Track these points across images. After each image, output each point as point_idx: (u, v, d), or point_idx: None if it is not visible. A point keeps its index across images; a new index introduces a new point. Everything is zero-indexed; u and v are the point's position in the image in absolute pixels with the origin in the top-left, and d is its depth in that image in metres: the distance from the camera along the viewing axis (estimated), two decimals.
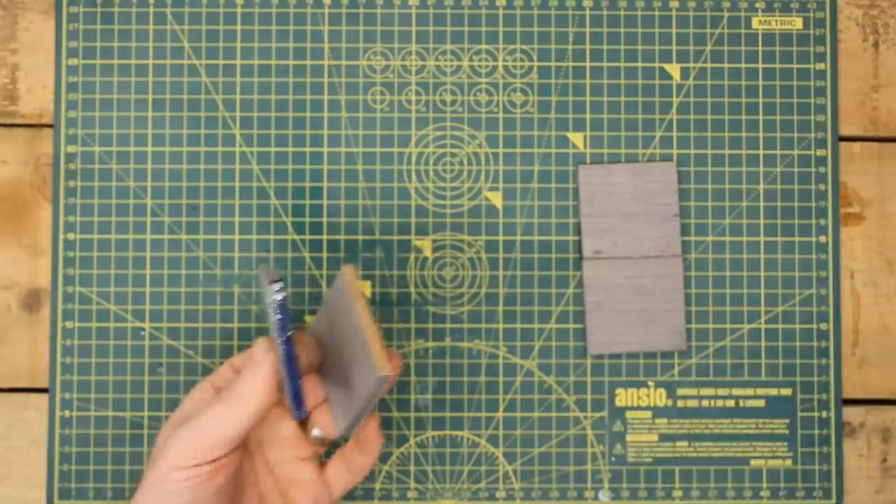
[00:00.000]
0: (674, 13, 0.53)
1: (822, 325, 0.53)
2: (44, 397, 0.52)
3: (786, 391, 0.53)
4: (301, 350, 0.43)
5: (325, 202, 0.53)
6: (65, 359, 0.52)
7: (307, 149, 0.53)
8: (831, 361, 0.53)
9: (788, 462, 0.52)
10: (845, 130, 0.54)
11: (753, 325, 0.53)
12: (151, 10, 0.53)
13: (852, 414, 0.53)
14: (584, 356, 0.52)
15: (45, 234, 0.52)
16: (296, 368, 0.42)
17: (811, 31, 0.54)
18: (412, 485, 0.52)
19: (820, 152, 0.53)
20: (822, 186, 0.53)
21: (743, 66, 0.53)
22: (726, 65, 0.53)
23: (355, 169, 0.53)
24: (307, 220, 0.52)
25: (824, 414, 0.53)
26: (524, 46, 0.53)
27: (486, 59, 0.53)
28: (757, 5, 0.54)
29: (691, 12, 0.54)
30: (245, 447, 0.44)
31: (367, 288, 0.52)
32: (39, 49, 0.53)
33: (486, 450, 0.52)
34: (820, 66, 0.53)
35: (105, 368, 0.52)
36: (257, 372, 0.41)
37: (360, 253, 0.52)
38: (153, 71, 0.53)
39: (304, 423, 0.46)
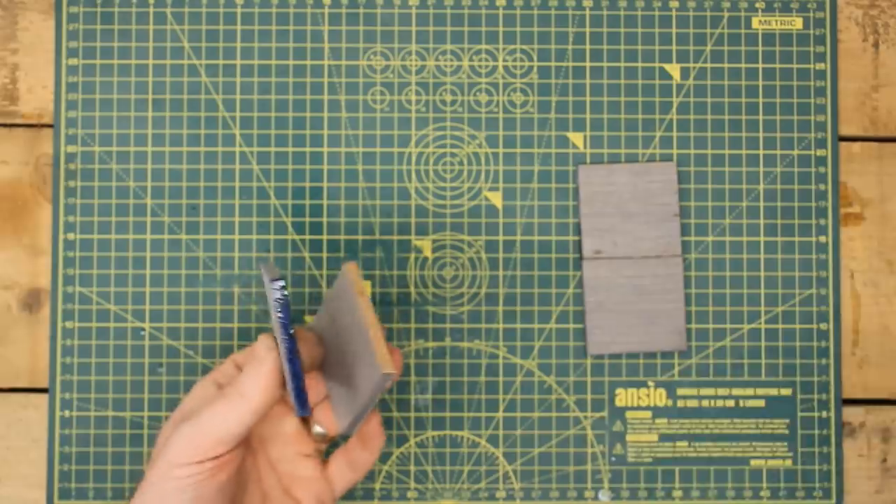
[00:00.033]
0: (674, 13, 0.53)
1: (822, 325, 0.53)
2: (44, 397, 0.52)
3: (786, 391, 0.53)
4: (303, 347, 0.43)
5: (325, 202, 0.53)
6: (65, 359, 0.52)
7: (307, 149, 0.53)
8: (831, 361, 0.53)
9: (788, 462, 0.52)
10: (845, 130, 0.54)
11: (753, 325, 0.53)
12: (151, 10, 0.53)
13: (852, 414, 0.53)
14: (584, 356, 0.52)
15: (45, 234, 0.52)
16: (298, 365, 0.42)
17: (811, 31, 0.54)
18: (412, 485, 0.52)
19: (820, 152, 0.53)
20: (822, 186, 0.53)
21: (743, 66, 0.53)
22: (726, 65, 0.53)
23: (355, 169, 0.53)
24: (307, 220, 0.52)
25: (824, 414, 0.53)
26: (524, 46, 0.53)
27: (486, 59, 0.53)
28: (757, 5, 0.54)
29: (691, 12, 0.54)
30: (248, 444, 0.44)
31: (367, 288, 0.52)
32: (39, 49, 0.53)
33: (486, 450, 0.52)
34: (820, 66, 0.53)
35: (105, 368, 0.52)
36: (260, 369, 0.41)
37: (360, 253, 0.52)
38: (153, 71, 0.53)
39: (306, 420, 0.46)
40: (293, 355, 0.41)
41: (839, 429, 0.53)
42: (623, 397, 0.52)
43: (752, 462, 0.52)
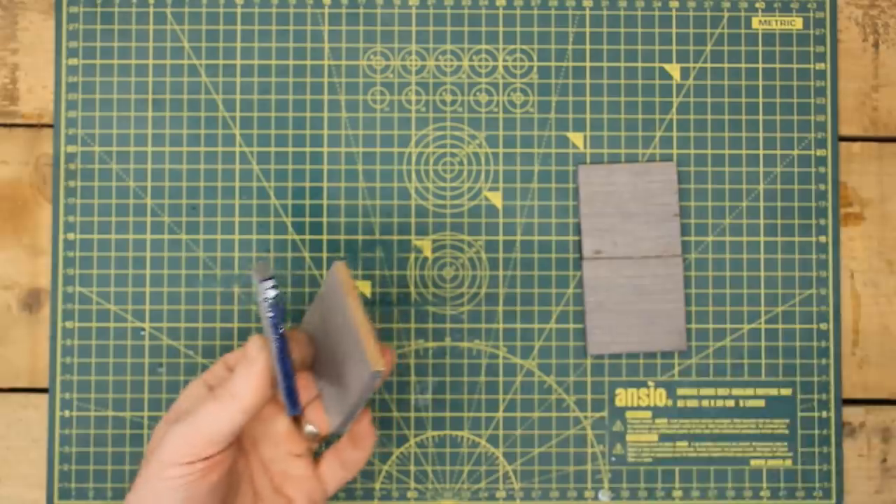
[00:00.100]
0: (674, 13, 0.53)
1: (822, 325, 0.53)
2: (44, 397, 0.52)
3: (786, 391, 0.53)
4: (294, 346, 0.43)
5: (325, 202, 0.53)
6: (65, 359, 0.52)
7: (307, 149, 0.53)
8: (831, 361, 0.53)
9: (788, 462, 0.52)
10: (845, 130, 0.54)
11: (753, 325, 0.53)
12: (151, 10, 0.53)
13: (852, 414, 0.53)
14: (584, 356, 0.52)
15: (45, 234, 0.52)
16: (289, 365, 0.42)
17: (811, 31, 0.54)
18: (412, 485, 0.52)
19: (820, 152, 0.53)
20: (822, 186, 0.53)
21: (743, 66, 0.53)
22: (726, 65, 0.53)
23: (355, 169, 0.53)
24: (307, 220, 0.52)
25: (824, 414, 0.53)
26: (524, 46, 0.53)
27: (486, 59, 0.53)
28: (757, 5, 0.54)
29: (691, 12, 0.54)
30: (239, 444, 0.45)
31: (367, 288, 0.52)
32: (39, 49, 0.53)
33: (486, 450, 0.52)
34: (820, 66, 0.53)
35: (105, 368, 0.52)
36: (251, 369, 0.41)
37: (360, 253, 0.52)
38: (153, 71, 0.53)
39: (297, 420, 0.46)
40: (284, 355, 0.42)
41: (839, 429, 0.53)
42: (623, 397, 0.52)
43: (752, 462, 0.52)
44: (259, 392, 0.41)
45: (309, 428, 0.45)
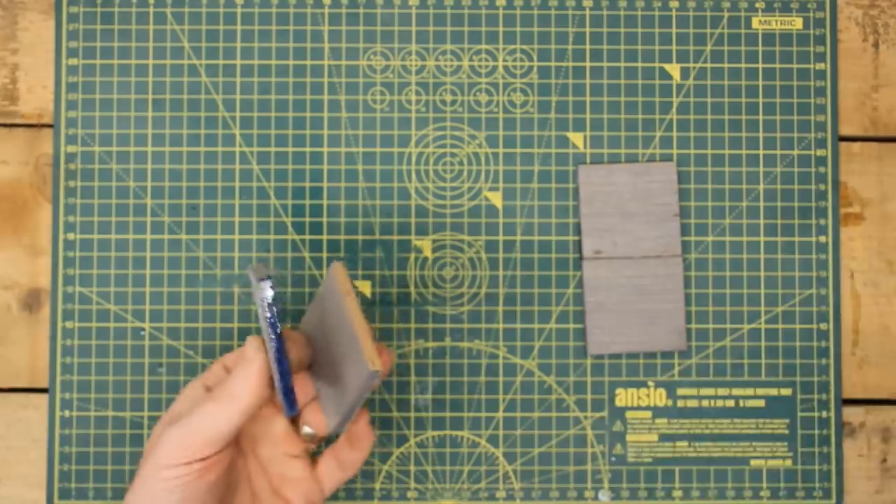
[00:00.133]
0: (674, 13, 0.53)
1: (822, 325, 0.53)
2: (44, 397, 0.52)
3: (786, 391, 0.53)
4: (291, 347, 0.43)
5: (325, 202, 0.53)
6: (65, 359, 0.52)
7: (307, 149, 0.53)
8: (831, 361, 0.53)
9: (788, 462, 0.52)
10: (845, 130, 0.54)
11: (753, 325, 0.53)
12: (151, 10, 0.53)
13: (852, 414, 0.53)
14: (584, 356, 0.52)
15: (45, 234, 0.52)
16: (287, 365, 0.42)
17: (811, 31, 0.54)
18: (412, 485, 0.52)
19: (820, 152, 0.53)
20: (822, 186, 0.53)
21: (743, 66, 0.53)
22: (726, 65, 0.53)
23: (355, 169, 0.53)
24: (307, 220, 0.52)
25: (824, 414, 0.53)
26: (524, 46, 0.53)
27: (486, 59, 0.53)
28: (757, 5, 0.54)
29: (691, 12, 0.54)
30: (237, 445, 0.45)
31: (367, 288, 0.52)
32: (39, 49, 0.53)
33: (486, 450, 0.52)
34: (820, 66, 0.53)
35: (105, 368, 0.52)
36: (248, 370, 0.41)
37: (360, 253, 0.52)
38: (153, 71, 0.53)
39: (295, 421, 0.46)
40: (281, 355, 0.42)
41: (839, 429, 0.53)
42: (623, 397, 0.52)
43: (752, 462, 0.52)
44: (257, 392, 0.41)
45: (306, 429, 0.45)
